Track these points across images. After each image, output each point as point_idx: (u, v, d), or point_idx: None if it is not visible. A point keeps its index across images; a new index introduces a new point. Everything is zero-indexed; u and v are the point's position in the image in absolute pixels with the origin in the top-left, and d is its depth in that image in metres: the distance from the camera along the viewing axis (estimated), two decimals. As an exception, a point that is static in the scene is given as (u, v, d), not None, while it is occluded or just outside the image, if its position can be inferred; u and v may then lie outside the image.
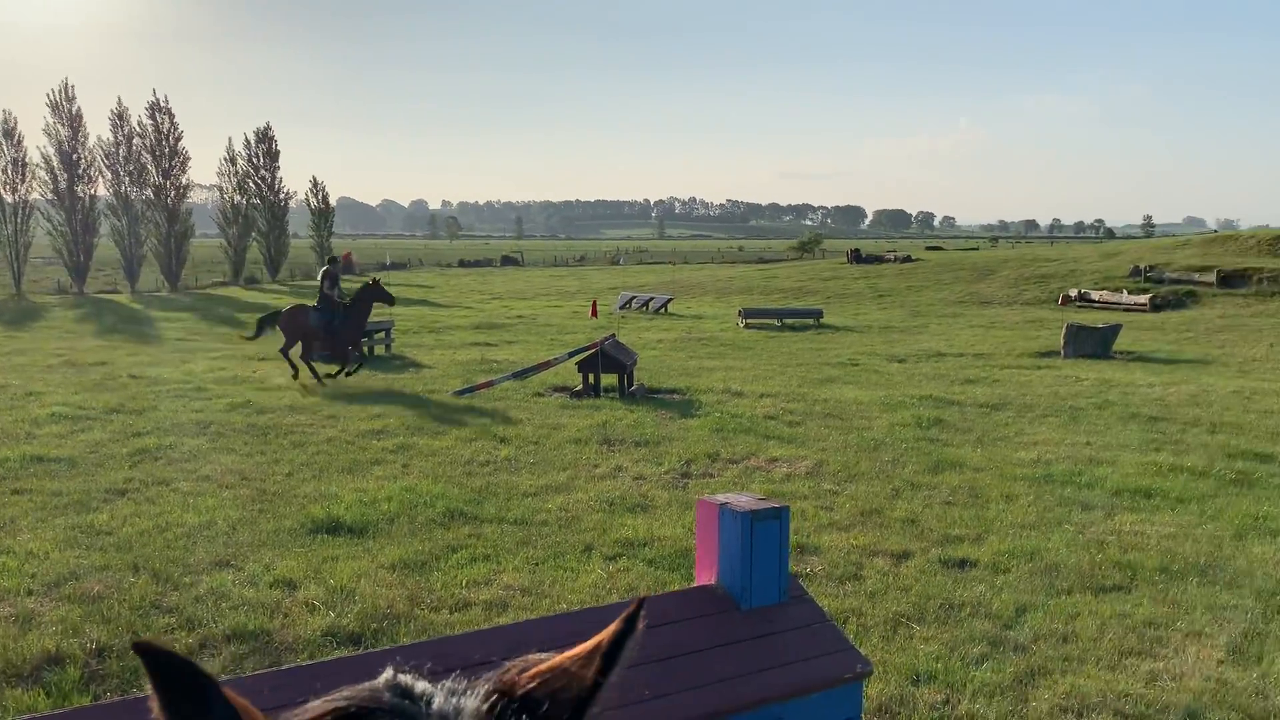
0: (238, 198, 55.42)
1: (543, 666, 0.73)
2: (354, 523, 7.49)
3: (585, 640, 0.76)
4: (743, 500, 3.61)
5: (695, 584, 3.75)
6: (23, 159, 42.38)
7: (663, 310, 33.92)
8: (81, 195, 44.59)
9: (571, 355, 14.80)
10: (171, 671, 0.63)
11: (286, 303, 19.39)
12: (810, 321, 29.02)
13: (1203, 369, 18.67)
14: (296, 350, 15.89)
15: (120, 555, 6.66)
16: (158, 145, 48.09)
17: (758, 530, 3.48)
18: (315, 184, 64.85)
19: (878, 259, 55.89)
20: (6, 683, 4.78)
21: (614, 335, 15.21)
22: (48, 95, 43.94)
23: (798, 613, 3.59)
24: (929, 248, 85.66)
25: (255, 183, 56.53)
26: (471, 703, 0.68)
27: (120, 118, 47.20)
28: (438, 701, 0.68)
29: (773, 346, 22.72)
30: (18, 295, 39.73)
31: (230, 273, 54.07)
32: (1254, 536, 7.37)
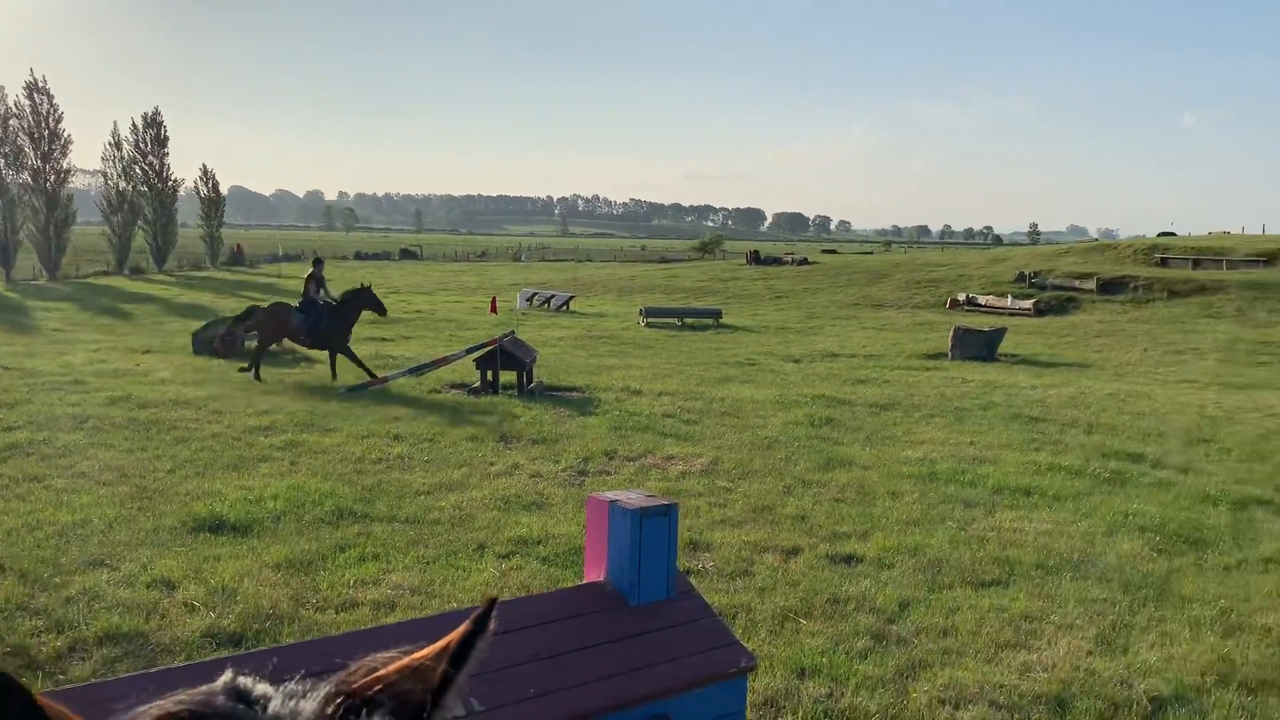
0: (123, 184, 53.27)
1: (391, 667, 0.72)
2: (238, 521, 7.28)
3: None
4: (632, 497, 3.62)
5: (585, 581, 3.76)
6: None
7: (564, 308, 33.84)
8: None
9: (470, 352, 14.64)
10: None
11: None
12: (710, 321, 29.32)
13: (1081, 372, 19.48)
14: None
15: (-15, 556, 6.34)
16: (36, 127, 45.89)
17: (647, 527, 3.50)
18: (205, 172, 62.90)
19: (776, 261, 56.73)
20: None
21: (513, 332, 15.12)
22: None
23: (685, 608, 3.62)
24: (825, 251, 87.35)
25: (142, 169, 54.44)
26: (310, 705, 0.66)
27: (-7, 97, 44.95)
28: (274, 705, 0.66)
29: (673, 345, 22.88)
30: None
31: (114, 262, 51.92)
32: (1124, 533, 7.71)
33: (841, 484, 9.04)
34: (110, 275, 49.50)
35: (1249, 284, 33.69)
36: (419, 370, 14.82)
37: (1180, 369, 20.52)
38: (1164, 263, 39.81)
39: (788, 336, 26.12)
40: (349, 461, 9.48)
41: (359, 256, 79.60)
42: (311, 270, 16.37)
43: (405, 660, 0.72)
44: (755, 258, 57.38)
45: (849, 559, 6.88)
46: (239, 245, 67.63)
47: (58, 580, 5.95)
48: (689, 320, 29.47)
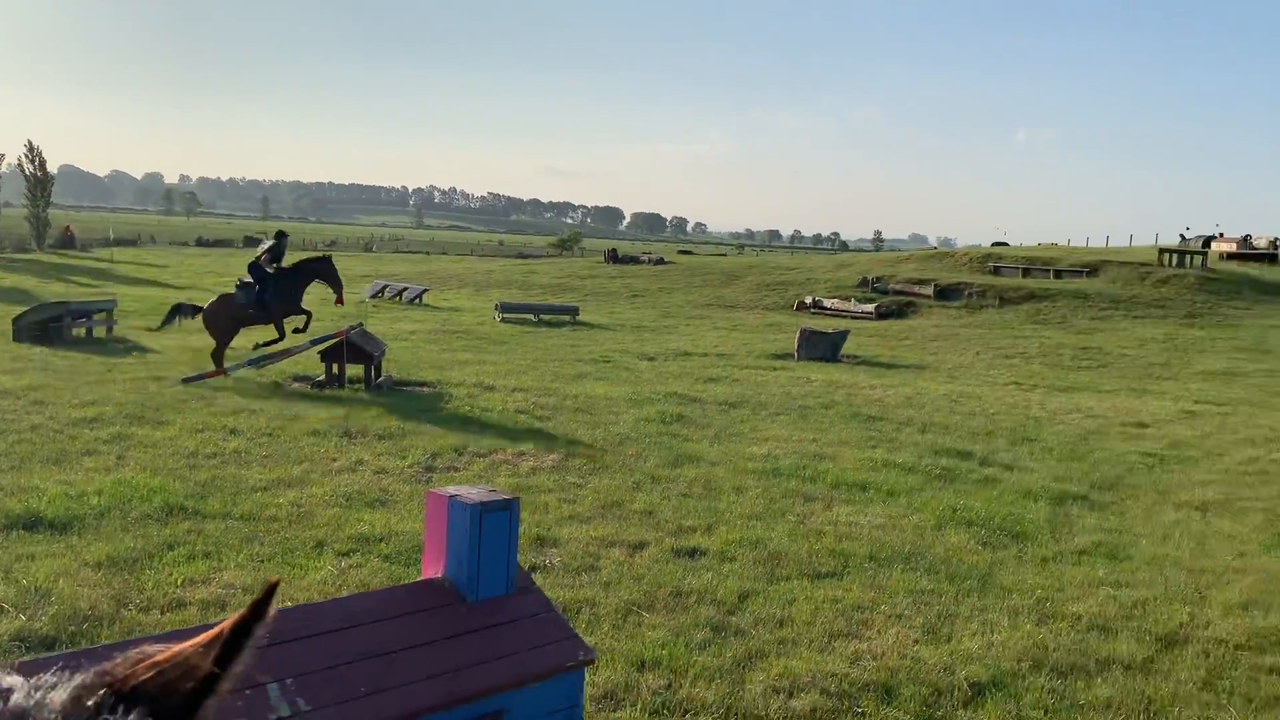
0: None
1: (159, 657, 0.68)
2: (56, 518, 6.85)
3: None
4: (473, 493, 3.59)
5: (423, 578, 3.70)
6: None
7: (418, 301, 33.20)
8: None
9: (314, 344, 14.19)
10: None
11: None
12: (566, 318, 29.30)
13: (918, 374, 20.36)
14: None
15: None
16: None
17: (487, 523, 3.47)
18: (31, 148, 58.85)
19: (634, 260, 57.17)
20: None
21: (361, 324, 14.73)
22: None
23: (524, 604, 3.61)
24: (681, 252, 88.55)
25: (-44, 141, 50.59)
26: (59, 696, 0.62)
27: None
28: (17, 697, 0.62)
29: (528, 341, 22.76)
30: None
31: (-77, 240, 48.12)
32: (951, 526, 8.10)
33: (689, 479, 9.19)
34: (-81, 255, 45.84)
35: (1073, 293, 35.90)
36: (260, 362, 14.28)
37: (1009, 372, 21.70)
38: (997, 271, 41.95)
39: (643, 335, 26.36)
40: (181, 456, 9.05)
41: (200, 243, 76.12)
42: (272, 244, 15.13)
43: (177, 649, 0.69)
44: (613, 256, 57.67)
45: (693, 552, 6.99)
46: (69, 228, 63.59)
47: None
48: (545, 316, 29.39)
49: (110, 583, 5.71)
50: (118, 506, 7.21)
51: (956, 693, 4.94)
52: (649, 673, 4.90)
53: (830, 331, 23.39)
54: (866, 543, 7.43)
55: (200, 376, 13.40)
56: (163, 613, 5.35)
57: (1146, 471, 10.92)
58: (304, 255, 15.54)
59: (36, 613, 5.20)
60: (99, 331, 18.79)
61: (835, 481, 9.38)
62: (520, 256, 75.35)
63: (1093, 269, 40.58)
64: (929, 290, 37.15)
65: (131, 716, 0.63)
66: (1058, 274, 40.44)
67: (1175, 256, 42.12)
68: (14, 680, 0.64)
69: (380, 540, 6.86)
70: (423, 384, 14.26)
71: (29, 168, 57.94)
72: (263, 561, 6.32)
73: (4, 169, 54.52)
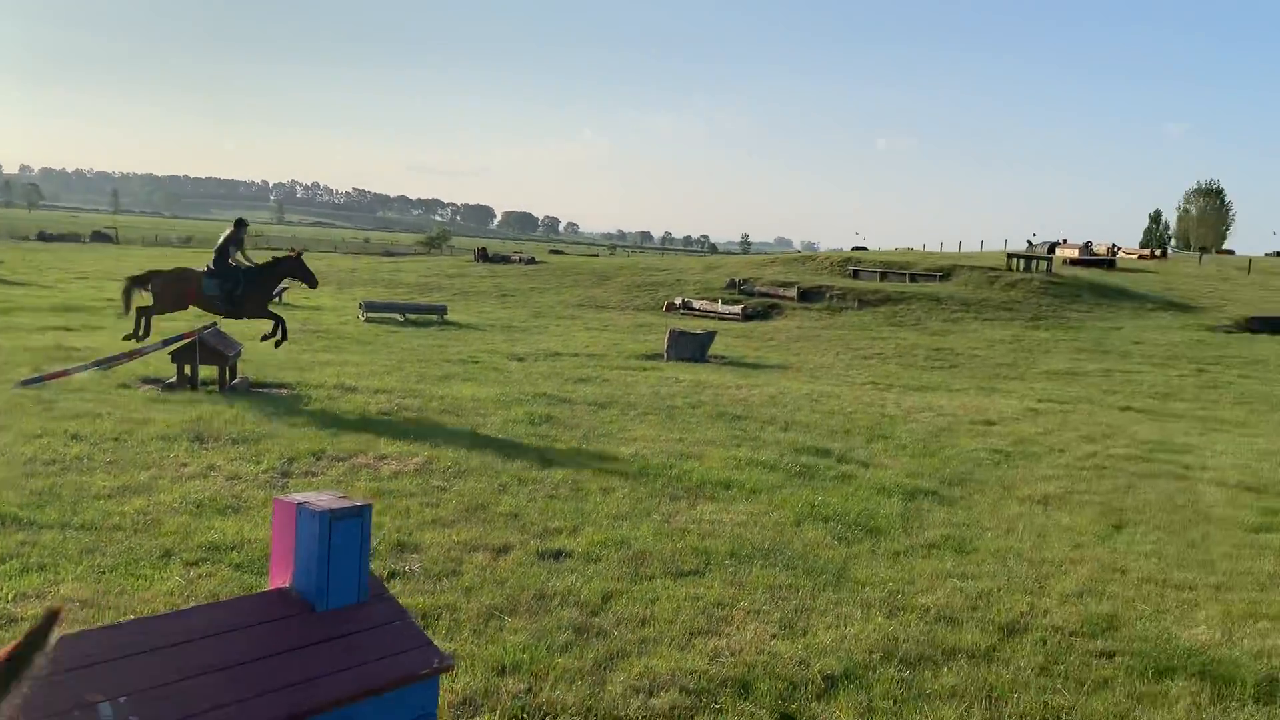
0: None
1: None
2: None
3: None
4: (322, 499, 3.49)
5: (271, 587, 3.58)
6: None
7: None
8: None
9: (165, 344, 13.57)
10: None
11: None
12: (434, 318, 28.87)
13: (782, 373, 20.85)
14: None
15: None
16: None
17: (337, 530, 3.38)
18: None
19: (504, 259, 56.73)
20: None
21: (215, 324, 14.17)
22: None
23: (377, 612, 3.54)
24: (553, 251, 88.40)
25: None
26: None
27: None
28: None
29: (394, 341, 22.31)
30: None
31: None
32: (810, 522, 8.32)
33: (556, 481, 9.17)
34: None
35: (927, 296, 37.34)
36: (107, 363, 13.57)
37: (866, 372, 22.43)
38: (856, 274, 43.32)
39: (513, 335, 26.18)
40: (16, 464, 8.53)
41: (43, 237, 71.95)
42: (231, 231, 14.97)
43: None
44: (483, 255, 57.10)
45: (558, 554, 6.98)
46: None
47: None
48: (412, 316, 28.89)
49: (-69, 601, 5.34)
50: (-59, 519, 6.74)
51: (811, 686, 5.08)
52: (509, 677, 4.87)
53: (698, 332, 23.73)
54: (728, 540, 7.56)
55: (40, 379, 12.66)
56: (-10, 631, 5.03)
57: (993, 467, 11.45)
58: (277, 253, 15.74)
59: None
60: (-75, 331, 17.55)
61: (700, 480, 9.51)
62: (387, 254, 73.85)
63: (946, 273, 42.32)
64: (793, 293, 38.08)
65: None
66: (913, 278, 42.02)
67: (1022, 261, 44.35)
68: None
69: (232, 549, 6.62)
70: (281, 386, 13.82)
71: None
72: (104, 572, 6.01)
73: None
